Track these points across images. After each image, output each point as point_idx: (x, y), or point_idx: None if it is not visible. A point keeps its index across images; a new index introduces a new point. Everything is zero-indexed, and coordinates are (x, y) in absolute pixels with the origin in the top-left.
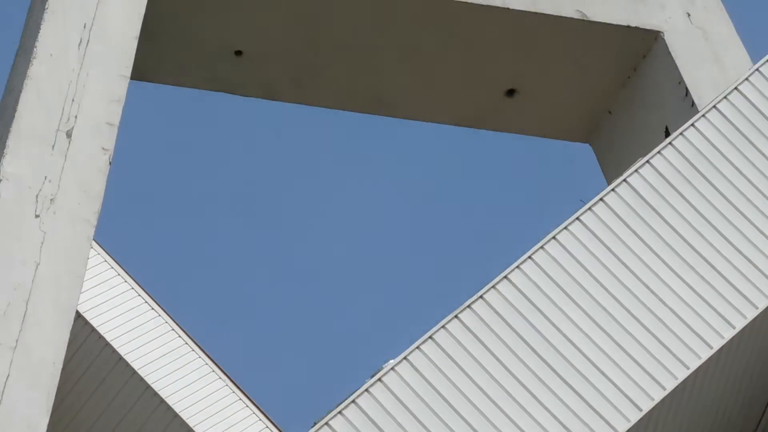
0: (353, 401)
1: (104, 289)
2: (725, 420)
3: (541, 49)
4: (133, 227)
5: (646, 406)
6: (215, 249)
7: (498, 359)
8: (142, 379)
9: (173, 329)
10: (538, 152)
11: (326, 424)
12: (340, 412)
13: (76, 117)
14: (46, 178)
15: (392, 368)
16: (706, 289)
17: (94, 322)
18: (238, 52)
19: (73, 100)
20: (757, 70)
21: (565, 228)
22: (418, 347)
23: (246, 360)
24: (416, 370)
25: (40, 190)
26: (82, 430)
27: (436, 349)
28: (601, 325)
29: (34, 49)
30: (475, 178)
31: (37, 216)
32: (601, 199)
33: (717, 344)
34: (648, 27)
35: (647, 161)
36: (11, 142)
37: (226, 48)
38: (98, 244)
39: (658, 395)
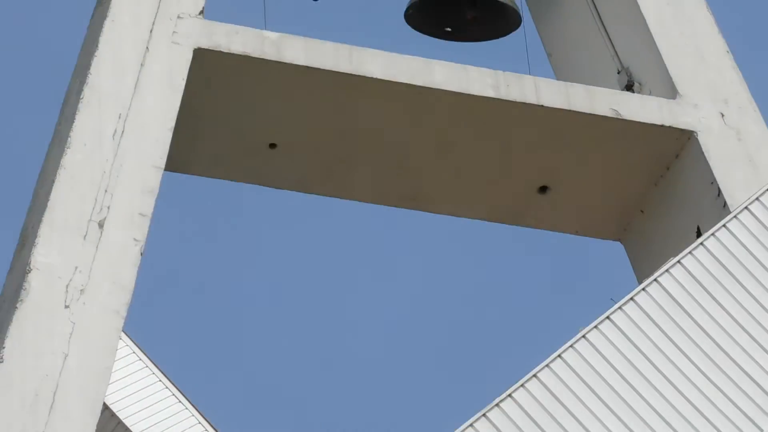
0: None
1: (132, 381)
2: None
3: (574, 147)
4: (163, 319)
5: None
6: (245, 342)
7: None
8: None
9: (200, 422)
10: (570, 249)
11: None
12: None
13: (108, 207)
14: (76, 268)
15: None
16: (735, 391)
17: (121, 415)
18: (273, 145)
19: (106, 190)
20: None
21: (595, 327)
22: None
23: None
24: None
25: (71, 280)
26: None
27: None
28: (629, 426)
29: (69, 139)
30: (504, 273)
31: (66, 306)
32: (631, 299)
33: None
34: (682, 127)
35: (678, 261)
36: (43, 231)
37: (261, 140)
38: (127, 335)
39: None
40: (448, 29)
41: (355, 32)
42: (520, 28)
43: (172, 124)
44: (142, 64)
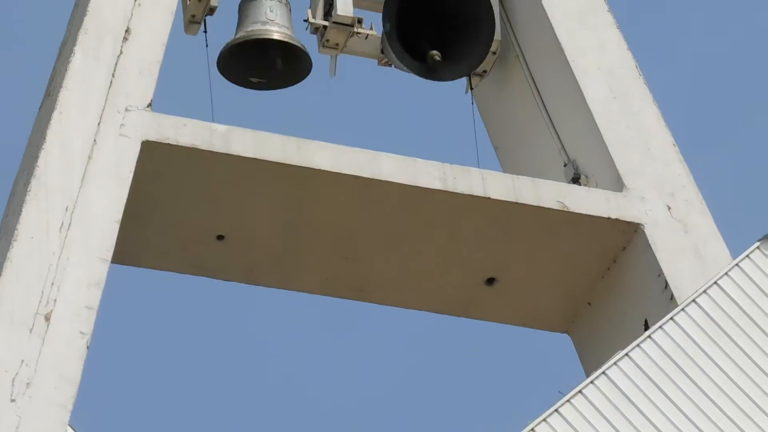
0: None
1: None
2: None
3: (521, 239)
4: (110, 411)
5: None
6: None
7: None
8: None
9: None
10: (517, 341)
11: None
12: None
13: (55, 300)
14: (23, 362)
15: None
16: None
17: None
18: (220, 237)
19: (52, 283)
20: (736, 265)
21: (544, 420)
22: None
23: None
24: None
25: (17, 374)
26: None
27: None
28: None
29: (15, 232)
30: (450, 366)
31: (12, 400)
32: (579, 391)
33: None
34: (628, 219)
35: (626, 354)
36: None
37: (208, 232)
38: (73, 429)
39: None
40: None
41: (303, 125)
42: (469, 122)
43: (119, 216)
44: (89, 157)
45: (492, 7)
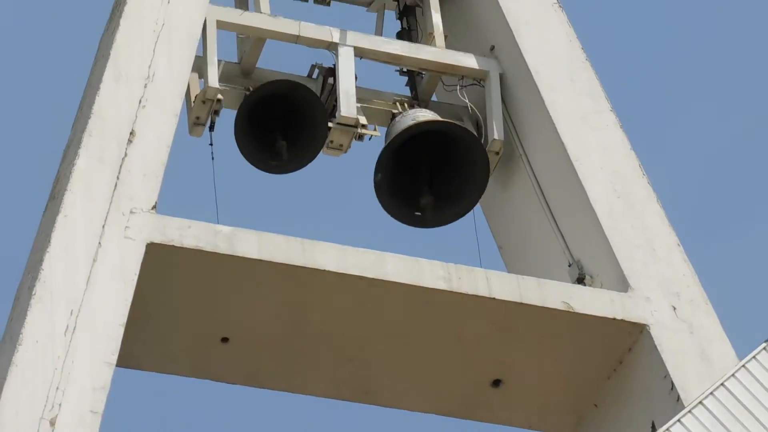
0: None
1: None
2: None
3: (526, 340)
4: None
5: None
6: None
7: None
8: None
9: None
10: None
11: None
12: None
13: (60, 405)
14: None
15: None
16: None
17: None
18: (225, 339)
19: (57, 387)
20: (743, 366)
21: None
22: None
23: None
24: None
25: None
26: None
27: None
28: None
29: (20, 336)
30: None
31: None
32: None
33: None
34: (634, 320)
35: None
36: None
37: (213, 335)
38: None
39: None
40: (418, 213)
41: (308, 225)
42: (471, 222)
43: (124, 319)
44: (94, 260)
45: (487, 156)
